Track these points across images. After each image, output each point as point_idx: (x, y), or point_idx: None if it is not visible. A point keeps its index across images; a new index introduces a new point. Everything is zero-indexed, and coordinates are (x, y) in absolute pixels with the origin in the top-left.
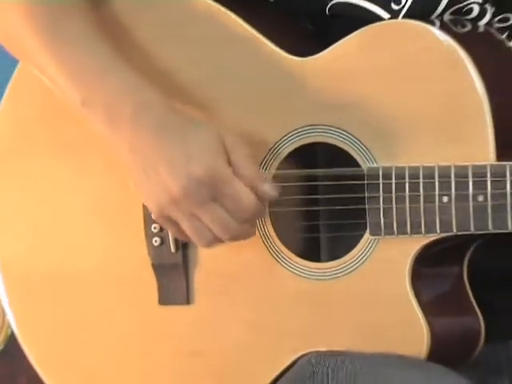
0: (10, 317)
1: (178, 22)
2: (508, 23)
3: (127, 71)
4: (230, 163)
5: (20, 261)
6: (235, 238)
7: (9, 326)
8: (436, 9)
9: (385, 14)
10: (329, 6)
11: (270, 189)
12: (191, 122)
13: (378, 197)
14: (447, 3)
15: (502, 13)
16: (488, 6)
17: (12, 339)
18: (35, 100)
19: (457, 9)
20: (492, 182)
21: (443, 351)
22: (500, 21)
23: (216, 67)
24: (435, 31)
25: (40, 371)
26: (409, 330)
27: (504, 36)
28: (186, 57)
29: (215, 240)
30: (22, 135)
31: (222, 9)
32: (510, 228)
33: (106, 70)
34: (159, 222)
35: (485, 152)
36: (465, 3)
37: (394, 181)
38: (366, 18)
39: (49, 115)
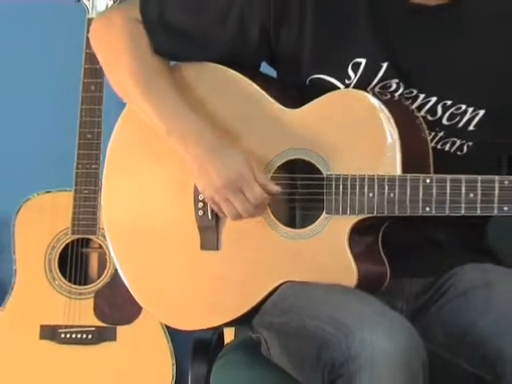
0: (114, 258)
1: (218, 84)
2: (412, 95)
3: (191, 114)
4: (251, 170)
5: (119, 220)
6: (251, 216)
7: (114, 266)
8: (370, 85)
9: (341, 85)
10: (308, 80)
11: (272, 187)
12: (227, 146)
13: (331, 192)
14: (376, 82)
15: (408, 88)
16: (401, 83)
17: (116, 274)
18: (137, 127)
19: (382, 85)
20: (399, 185)
21: (364, 285)
22: (407, 93)
23: (238, 112)
24: (369, 96)
25: (133, 292)
26: (345, 271)
27: (409, 102)
28: (222, 106)
29: (239, 216)
30: (131, 144)
31: (243, 76)
32: (408, 213)
33: (180, 113)
34: (208, 201)
35: (393, 171)
36: (386, 82)
37: (341, 182)
38: (330, 87)
39: (146, 136)
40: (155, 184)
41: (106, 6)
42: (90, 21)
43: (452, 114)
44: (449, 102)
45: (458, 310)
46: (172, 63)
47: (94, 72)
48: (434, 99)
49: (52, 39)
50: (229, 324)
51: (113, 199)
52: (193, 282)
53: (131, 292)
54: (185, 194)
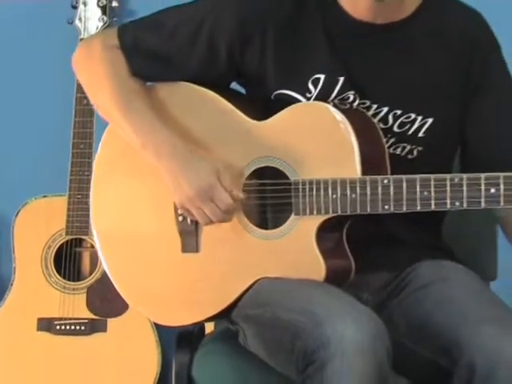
0: (103, 261)
1: (191, 101)
2: (366, 105)
3: (165, 129)
4: (219, 180)
5: (106, 226)
6: (221, 221)
7: (102, 266)
8: (329, 97)
9: (303, 99)
10: (273, 95)
11: (239, 195)
12: (198, 158)
13: (298, 195)
14: (335, 95)
15: (363, 99)
16: (356, 95)
17: (104, 274)
18: (118, 143)
19: (340, 97)
20: (360, 187)
21: (332, 279)
22: (362, 104)
23: (210, 126)
24: (329, 106)
25: (120, 291)
26: (314, 267)
27: (364, 111)
28: (194, 121)
29: (210, 221)
30: (116, 158)
31: (213, 93)
32: (369, 211)
33: (155, 128)
34: (181, 209)
35: (354, 174)
36: (344, 94)
37: (307, 186)
38: (293, 101)
39: (129, 149)
40: (139, 193)
41: (97, 28)
42: (82, 41)
43: (402, 122)
44: (399, 112)
45: (418, 302)
46: (148, 83)
47: None
48: (385, 109)
49: (48, 57)
50: (209, 319)
51: (100, 207)
52: (175, 282)
53: (119, 291)
54: (166, 202)
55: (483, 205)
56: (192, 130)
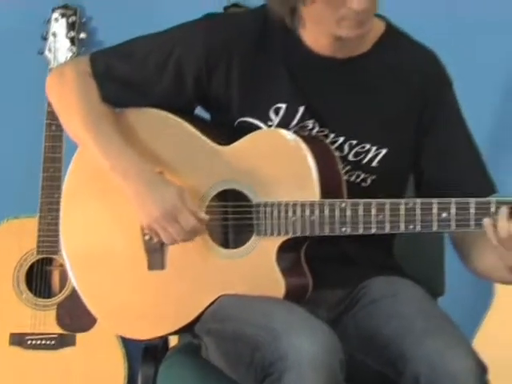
0: (73, 279)
1: (158, 126)
2: (324, 133)
3: (133, 153)
4: (183, 202)
5: (76, 246)
6: (185, 240)
7: (71, 283)
8: (290, 125)
9: (265, 127)
10: (236, 122)
11: (203, 216)
12: (164, 181)
13: (260, 217)
14: (295, 123)
15: (321, 128)
16: (315, 124)
17: (73, 291)
18: (86, 168)
19: (300, 125)
20: (319, 209)
21: (290, 296)
22: (320, 132)
23: (176, 150)
24: (289, 133)
25: (89, 307)
26: (274, 284)
27: (323, 138)
28: (161, 145)
29: (175, 241)
30: (84, 182)
31: (180, 119)
32: (327, 233)
33: (123, 152)
34: (147, 229)
35: (313, 197)
36: (303, 122)
37: (268, 208)
38: (255, 128)
39: (97, 171)
40: (106, 214)
41: (66, 58)
42: (51, 70)
43: (357, 151)
44: (354, 142)
45: (369, 316)
46: (118, 109)
47: (54, 114)
48: (341, 139)
49: (20, 85)
50: (174, 333)
51: (70, 227)
52: (142, 298)
53: (88, 307)
54: (133, 222)
55: (435, 228)
56: (158, 154)
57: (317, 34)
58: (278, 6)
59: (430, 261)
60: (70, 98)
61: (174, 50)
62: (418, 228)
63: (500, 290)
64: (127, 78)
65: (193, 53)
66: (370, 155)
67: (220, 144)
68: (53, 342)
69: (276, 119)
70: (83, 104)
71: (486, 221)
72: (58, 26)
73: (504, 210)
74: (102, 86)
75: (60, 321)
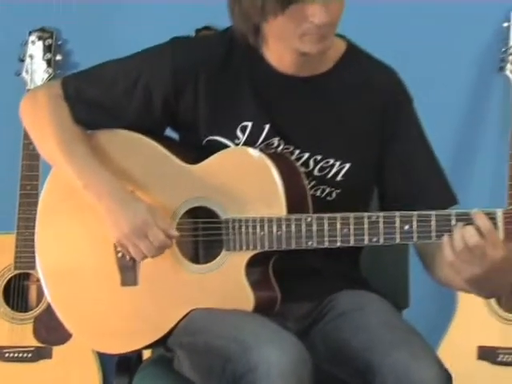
0: (48, 296)
1: (129, 147)
2: (289, 150)
3: (105, 172)
4: (154, 219)
5: (51, 263)
6: (155, 256)
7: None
8: (256, 143)
9: (232, 145)
10: (204, 141)
11: (172, 232)
12: (135, 199)
13: (229, 232)
14: (261, 141)
15: (287, 145)
16: (281, 141)
17: (50, 305)
18: (60, 187)
19: (266, 143)
20: (285, 224)
21: (260, 309)
22: (286, 149)
23: (146, 170)
24: (256, 151)
25: (64, 322)
26: (243, 298)
27: (288, 154)
28: (132, 165)
29: (145, 256)
30: (58, 200)
31: (149, 140)
32: (294, 247)
33: (96, 171)
34: (118, 245)
35: (280, 212)
36: (269, 140)
37: (237, 224)
38: (223, 146)
39: (71, 190)
40: (80, 231)
41: (42, 79)
42: (28, 91)
43: (322, 166)
44: (319, 157)
45: (337, 329)
46: (89, 131)
47: None
48: (306, 155)
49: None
50: (147, 347)
51: (45, 244)
52: (115, 313)
53: (63, 322)
54: (106, 239)
55: (398, 240)
56: (130, 173)
57: (280, 51)
58: (241, 24)
59: (394, 275)
60: (43, 120)
61: (141, 74)
62: (382, 240)
63: (462, 301)
64: (97, 101)
65: (160, 76)
66: (334, 170)
67: (189, 163)
68: (30, 355)
69: (243, 137)
70: (56, 126)
71: (445, 238)
72: (35, 49)
73: (459, 224)
74: (74, 108)
75: (37, 334)
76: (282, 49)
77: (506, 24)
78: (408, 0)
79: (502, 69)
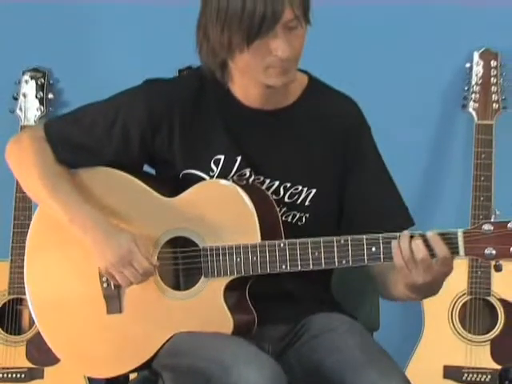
0: (37, 323)
1: (110, 183)
2: (260, 180)
3: (89, 207)
4: (137, 247)
5: (40, 292)
6: (140, 282)
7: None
8: (229, 174)
9: (207, 177)
10: (181, 175)
11: (154, 260)
12: (119, 230)
13: (207, 260)
14: (234, 172)
15: (257, 175)
16: (252, 172)
17: (37, 333)
18: (47, 220)
19: (239, 174)
20: (260, 250)
21: (238, 331)
22: (257, 179)
23: (128, 203)
24: (230, 183)
25: (53, 349)
26: (223, 321)
27: (259, 184)
28: (114, 199)
29: (130, 283)
30: (45, 235)
31: (129, 175)
32: (268, 271)
33: (80, 206)
34: (104, 274)
35: (254, 239)
36: (241, 171)
37: (214, 252)
38: (199, 179)
39: (58, 225)
40: (67, 262)
41: (35, 116)
42: (22, 128)
43: (291, 193)
44: (288, 185)
45: (311, 350)
46: (72, 169)
47: None
48: (276, 183)
49: None
50: (133, 371)
51: (33, 275)
52: (102, 340)
53: (51, 348)
54: (91, 270)
55: (366, 261)
56: (112, 208)
57: (246, 86)
58: (209, 61)
59: (365, 298)
60: (28, 161)
61: (119, 115)
62: (351, 262)
63: (428, 322)
64: (78, 141)
65: (136, 116)
66: (302, 195)
67: (168, 196)
68: (23, 376)
69: (217, 170)
70: (40, 166)
71: (393, 243)
72: (28, 88)
73: (406, 232)
74: (57, 149)
75: (29, 355)
76: (248, 83)
77: (468, 65)
78: (377, 37)
79: (464, 106)
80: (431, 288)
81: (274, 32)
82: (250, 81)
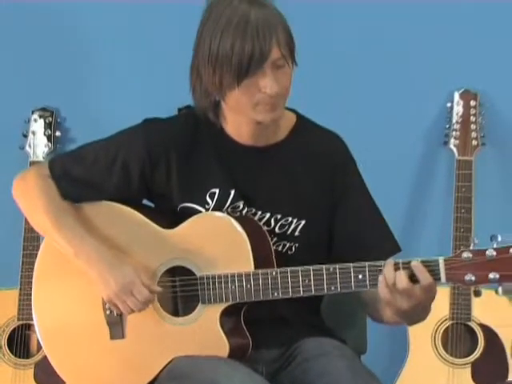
0: (44, 348)
1: (112, 216)
2: (252, 212)
3: (93, 240)
4: (138, 278)
5: (47, 321)
6: (141, 310)
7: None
8: (224, 207)
9: (203, 210)
10: (178, 208)
11: (155, 288)
12: (121, 261)
13: (204, 288)
14: (228, 205)
15: (250, 207)
16: (245, 206)
17: (44, 357)
18: (54, 251)
19: (233, 206)
20: (254, 278)
21: (233, 355)
22: (250, 211)
23: (129, 235)
24: (225, 215)
25: (58, 371)
26: (219, 346)
27: (252, 217)
28: (116, 232)
29: (132, 311)
30: (52, 265)
31: (130, 209)
32: (262, 298)
33: (85, 240)
34: (108, 303)
35: (248, 268)
36: (235, 203)
37: (210, 280)
38: (195, 211)
39: (61, 257)
40: (73, 292)
41: (43, 153)
42: (31, 163)
43: (282, 224)
44: (279, 216)
45: (303, 373)
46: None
47: None
48: (268, 214)
49: (2, 177)
50: None
51: (40, 304)
52: (106, 364)
53: (57, 373)
54: (96, 299)
55: (353, 288)
56: (114, 239)
57: (237, 123)
58: (202, 101)
59: (347, 322)
60: (33, 197)
61: (119, 153)
62: (339, 289)
63: (413, 346)
64: (81, 177)
65: (136, 154)
66: (292, 226)
67: (166, 227)
68: None
69: (212, 203)
70: (45, 201)
71: (380, 277)
72: (37, 126)
73: (390, 261)
74: (60, 185)
75: (37, 378)
76: (240, 121)
77: (449, 104)
78: (363, 77)
79: (446, 143)
80: (417, 313)
81: (263, 70)
82: (241, 119)
